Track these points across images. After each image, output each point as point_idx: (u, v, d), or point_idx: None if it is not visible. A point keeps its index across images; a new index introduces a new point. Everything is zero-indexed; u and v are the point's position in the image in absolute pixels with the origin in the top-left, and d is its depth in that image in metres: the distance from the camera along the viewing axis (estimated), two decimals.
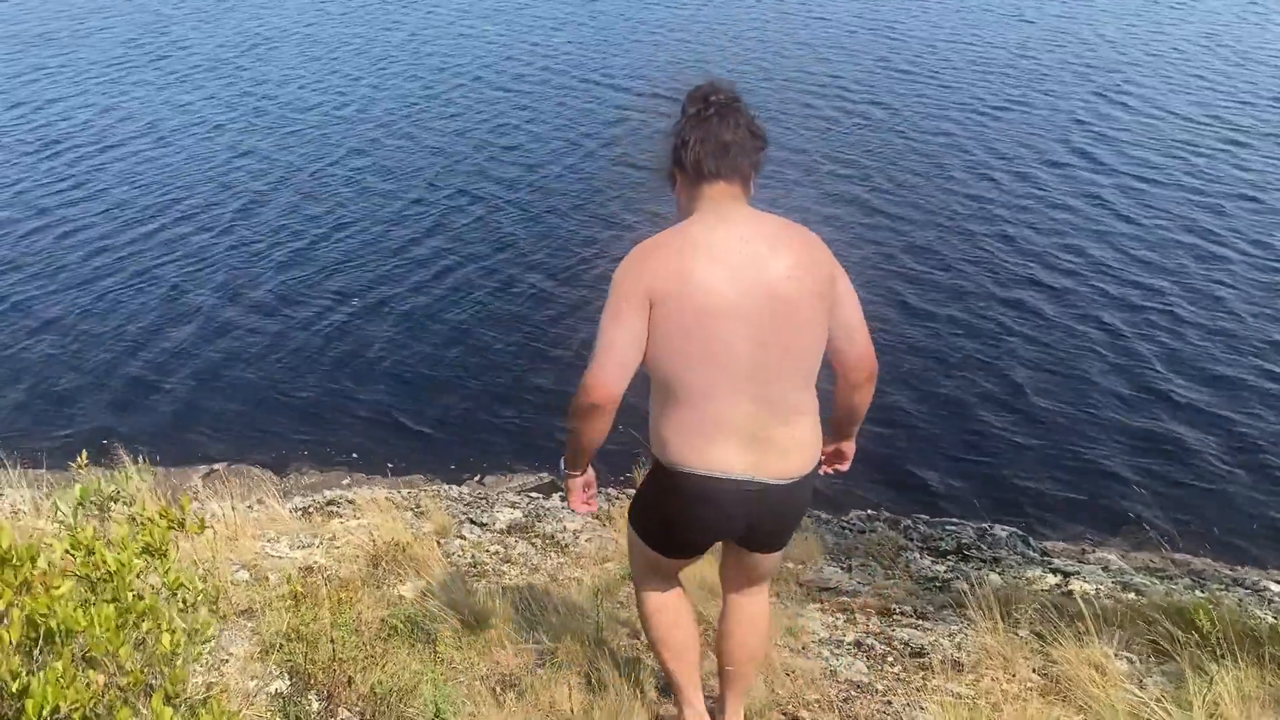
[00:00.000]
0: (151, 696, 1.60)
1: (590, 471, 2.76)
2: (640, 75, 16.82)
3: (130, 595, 1.77)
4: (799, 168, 12.99)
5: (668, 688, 3.18)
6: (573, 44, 18.71)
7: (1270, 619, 4.51)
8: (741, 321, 2.39)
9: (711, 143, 2.43)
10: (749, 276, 2.40)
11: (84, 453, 2.73)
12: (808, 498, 2.69)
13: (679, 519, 2.65)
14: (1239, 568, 6.43)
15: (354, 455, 8.19)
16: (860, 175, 12.99)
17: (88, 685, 1.50)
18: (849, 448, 2.90)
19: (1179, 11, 20.81)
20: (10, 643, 1.53)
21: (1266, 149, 13.88)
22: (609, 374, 2.41)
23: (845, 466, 2.94)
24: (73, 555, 1.92)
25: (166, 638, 1.76)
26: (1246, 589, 5.46)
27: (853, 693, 3.62)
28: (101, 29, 20.16)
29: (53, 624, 1.69)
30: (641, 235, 2.61)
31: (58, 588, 1.63)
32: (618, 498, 6.79)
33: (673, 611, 2.92)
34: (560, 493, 7.26)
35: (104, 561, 1.87)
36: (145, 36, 19.67)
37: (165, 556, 2.00)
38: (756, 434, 2.48)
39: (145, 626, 1.78)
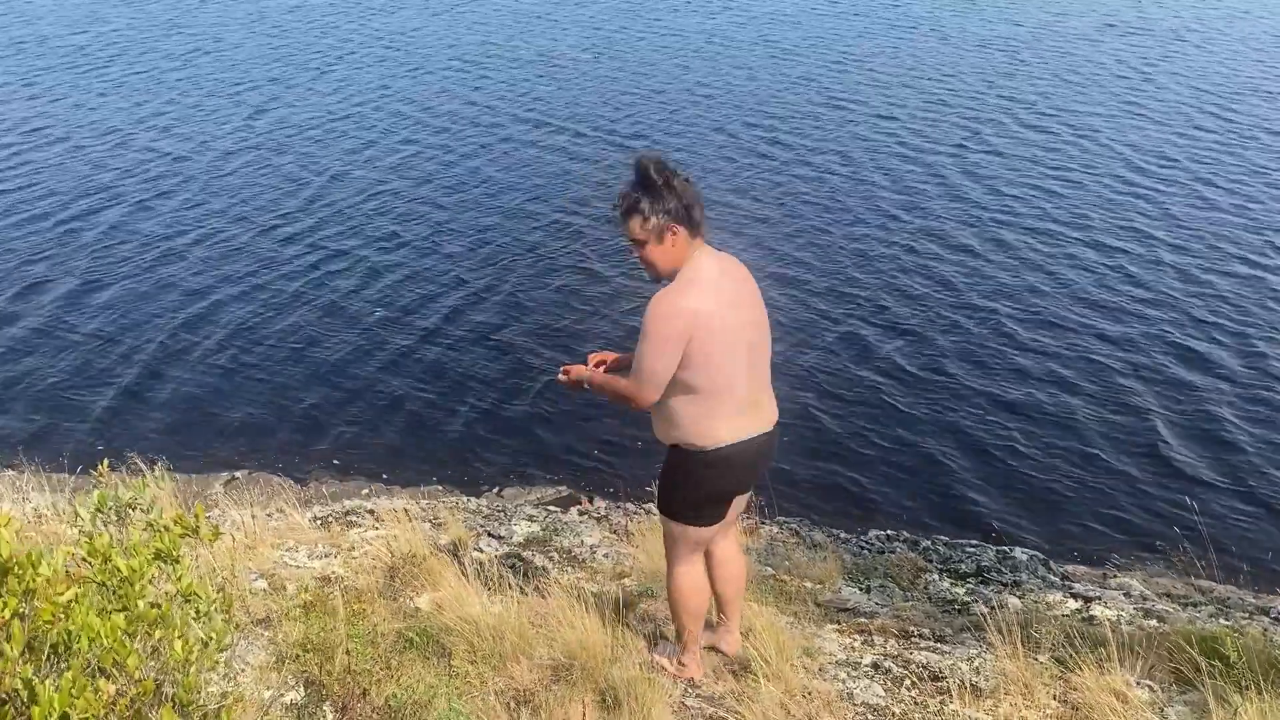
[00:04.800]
0: (162, 707, 1.60)
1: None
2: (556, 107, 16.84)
3: (143, 603, 1.77)
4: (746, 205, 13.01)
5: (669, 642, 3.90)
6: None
7: None
8: (739, 335, 3.29)
9: (695, 205, 3.24)
10: (736, 303, 3.29)
11: (105, 461, 2.75)
12: None
13: (719, 482, 3.43)
14: (1264, 595, 6.32)
15: (373, 465, 8.20)
16: (815, 217, 12.98)
17: (97, 693, 1.50)
18: None
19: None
20: (16, 653, 1.52)
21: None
22: (653, 392, 3.27)
23: None
24: (90, 562, 1.92)
25: (179, 645, 1.76)
26: (1272, 618, 5.37)
27: (869, 716, 3.58)
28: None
29: (60, 630, 1.69)
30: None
31: (61, 594, 1.63)
32: (636, 513, 6.78)
33: (703, 589, 3.65)
34: (578, 507, 7.26)
35: (117, 568, 1.87)
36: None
37: (178, 563, 2.00)
38: (754, 403, 3.39)
39: (158, 634, 1.78)
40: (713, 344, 3.20)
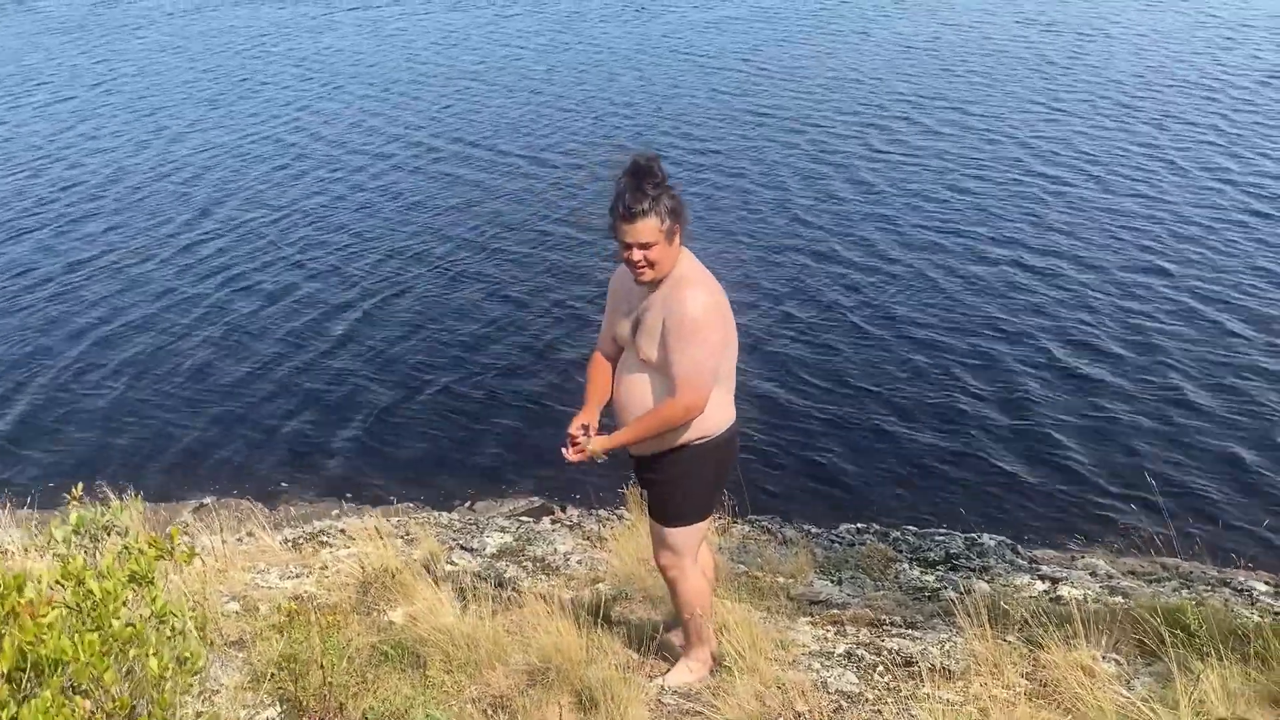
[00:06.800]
0: None
1: None
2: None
3: (116, 623, 1.78)
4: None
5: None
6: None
7: (1256, 618, 4.55)
8: None
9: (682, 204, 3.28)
10: None
11: (79, 485, 2.74)
12: None
13: (726, 463, 3.53)
14: (1227, 570, 6.45)
15: (343, 486, 8.17)
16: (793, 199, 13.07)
17: (73, 712, 1.51)
18: None
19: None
20: (4, 669, 1.54)
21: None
22: (709, 392, 3.26)
23: None
24: (63, 585, 1.93)
25: (154, 662, 1.77)
26: (1233, 589, 5.50)
27: (843, 703, 3.64)
28: None
29: (41, 653, 1.71)
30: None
31: (44, 616, 1.64)
32: (609, 519, 6.80)
33: (709, 586, 3.73)
34: (551, 516, 7.27)
35: (90, 591, 1.88)
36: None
37: (152, 584, 2.02)
38: None
39: (132, 653, 1.79)
40: (732, 329, 3.34)
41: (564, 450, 3.40)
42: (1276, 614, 4.92)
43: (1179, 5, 22.22)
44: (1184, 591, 5.27)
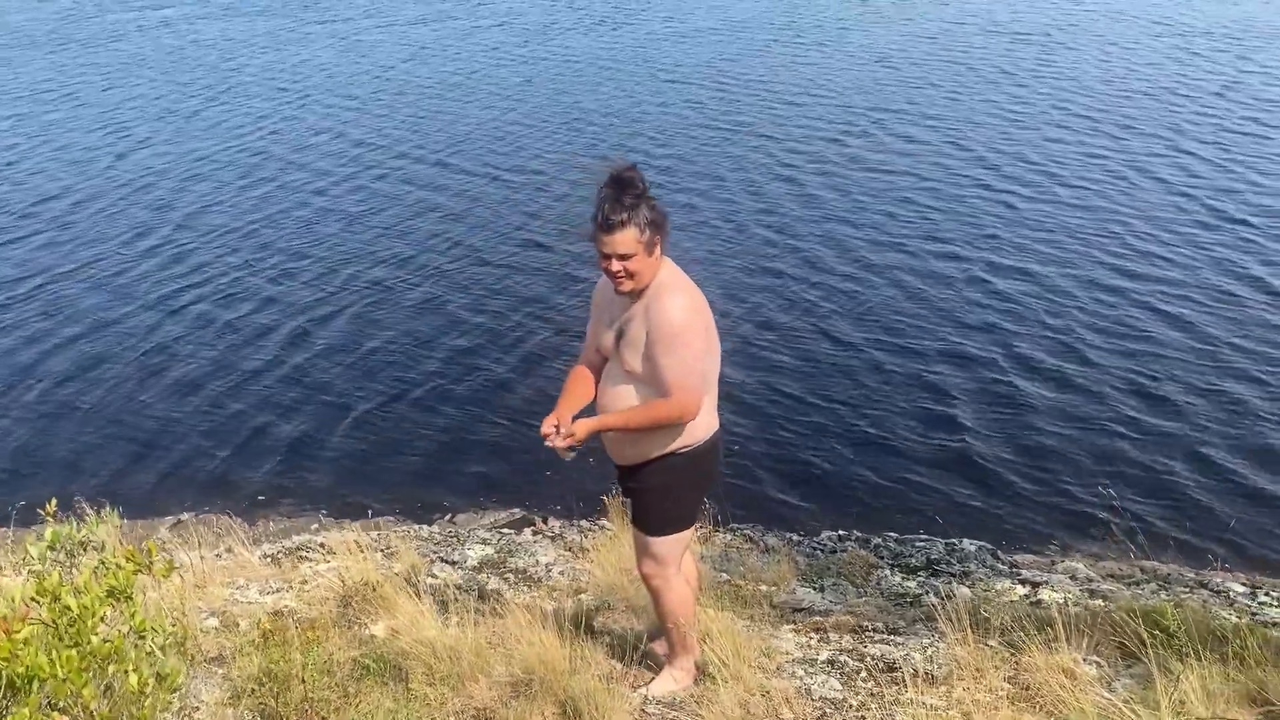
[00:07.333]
0: None
1: None
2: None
3: (95, 639, 1.76)
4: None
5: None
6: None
7: (1234, 619, 4.59)
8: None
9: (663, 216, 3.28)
10: None
11: (53, 500, 2.71)
12: None
13: (713, 470, 3.55)
14: (1204, 571, 6.51)
15: (322, 500, 8.11)
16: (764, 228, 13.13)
17: None
18: None
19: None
20: None
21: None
22: (701, 395, 3.28)
23: None
24: (39, 601, 1.91)
25: (133, 678, 1.76)
26: (1211, 591, 5.55)
27: (827, 710, 3.64)
28: None
29: (16, 670, 1.68)
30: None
31: (18, 632, 1.62)
32: (590, 530, 6.79)
33: (692, 594, 3.72)
34: (532, 527, 7.25)
35: (67, 607, 1.86)
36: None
37: (130, 600, 2.00)
38: None
39: (111, 669, 1.77)
40: (714, 336, 3.36)
41: (547, 441, 3.28)
42: (1254, 614, 4.96)
43: (1139, 16, 22.48)
44: (1163, 594, 5.32)
